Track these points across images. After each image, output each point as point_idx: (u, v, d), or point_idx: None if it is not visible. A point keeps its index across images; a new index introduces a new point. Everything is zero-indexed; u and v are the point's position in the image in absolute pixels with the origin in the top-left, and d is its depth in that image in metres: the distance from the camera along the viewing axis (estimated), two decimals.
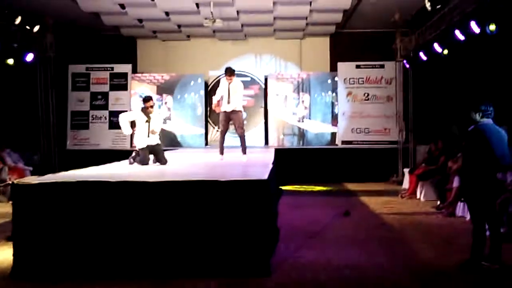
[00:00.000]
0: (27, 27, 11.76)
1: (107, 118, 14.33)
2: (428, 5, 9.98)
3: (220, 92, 8.43)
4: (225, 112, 8.36)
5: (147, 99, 7.88)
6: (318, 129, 14.25)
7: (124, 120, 7.87)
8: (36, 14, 11.96)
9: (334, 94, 14.27)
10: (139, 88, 14.46)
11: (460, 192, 7.72)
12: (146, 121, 7.75)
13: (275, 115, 14.35)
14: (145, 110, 7.77)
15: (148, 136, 7.73)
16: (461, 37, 9.43)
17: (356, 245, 6.42)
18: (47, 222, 5.12)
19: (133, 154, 7.92)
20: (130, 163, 7.81)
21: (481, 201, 5.26)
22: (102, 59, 14.53)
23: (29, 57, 12.23)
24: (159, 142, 7.92)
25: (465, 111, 5.65)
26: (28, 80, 13.28)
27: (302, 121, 14.27)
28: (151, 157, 7.78)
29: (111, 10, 12.24)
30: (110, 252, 5.11)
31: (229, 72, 8.36)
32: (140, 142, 7.73)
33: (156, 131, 7.82)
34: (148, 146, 7.70)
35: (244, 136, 8.56)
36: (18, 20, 11.25)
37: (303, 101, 14.31)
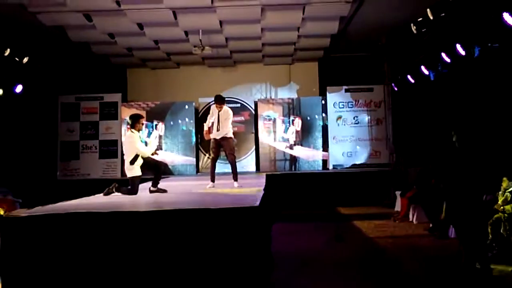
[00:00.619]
0: (16, 58, 11.76)
1: (97, 147, 14.28)
2: (413, 28, 10.11)
3: (210, 119, 8.47)
4: (215, 139, 8.38)
5: (138, 117, 7.48)
6: (310, 156, 14.26)
7: (143, 150, 7.38)
8: (25, 45, 11.98)
9: (324, 115, 14.32)
10: (128, 114, 14.39)
11: (447, 215, 7.72)
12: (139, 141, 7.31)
13: (266, 141, 14.37)
14: (136, 130, 7.35)
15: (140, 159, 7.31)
16: (447, 59, 9.56)
17: (350, 272, 6.37)
18: (37, 255, 5.03)
19: (113, 185, 7.27)
20: (107, 194, 7.21)
21: (468, 222, 5.26)
22: (92, 89, 14.54)
23: (18, 88, 12.25)
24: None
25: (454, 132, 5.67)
26: (17, 112, 13.24)
27: (292, 149, 14.27)
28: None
29: (101, 40, 12.29)
30: (101, 284, 5.01)
31: (219, 100, 8.41)
32: (133, 169, 7.31)
33: (157, 152, 7.62)
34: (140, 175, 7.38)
35: (235, 162, 8.55)
36: (7, 52, 11.27)
37: (293, 124, 14.33)
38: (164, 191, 7.57)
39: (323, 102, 14.39)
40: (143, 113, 14.18)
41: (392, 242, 8.28)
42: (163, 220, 5.13)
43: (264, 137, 14.37)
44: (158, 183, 7.67)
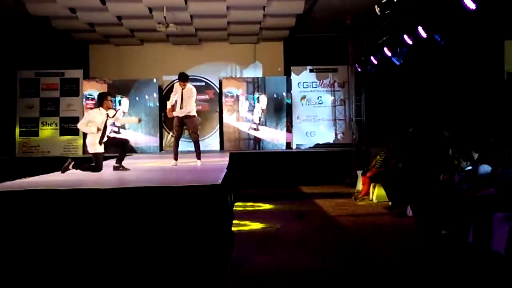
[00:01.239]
0: None
1: (58, 124, 14.02)
2: (377, 10, 10.18)
3: (174, 97, 8.40)
4: (178, 117, 8.33)
5: (105, 95, 7.38)
6: (274, 138, 14.33)
7: (83, 127, 7.27)
8: None
9: (288, 94, 14.39)
10: (89, 90, 14.18)
11: (403, 194, 7.93)
12: (105, 121, 7.15)
13: (230, 121, 14.36)
14: (104, 108, 7.19)
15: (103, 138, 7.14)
16: (409, 41, 9.69)
17: (311, 249, 6.48)
18: None
19: (69, 161, 7.10)
20: (64, 171, 7.03)
21: (422, 202, 5.41)
22: (52, 65, 14.20)
23: None
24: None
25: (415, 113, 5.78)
26: None
27: (258, 130, 14.30)
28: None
29: (61, 14, 11.99)
30: (59, 264, 4.96)
31: (182, 77, 8.34)
32: (96, 145, 7.14)
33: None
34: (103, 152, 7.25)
35: (198, 141, 8.54)
36: None
37: (258, 102, 14.35)
38: (127, 169, 7.49)
39: (287, 81, 14.45)
40: (104, 87, 14.02)
41: (353, 220, 8.46)
42: (124, 198, 5.10)
43: (228, 117, 14.36)
44: (123, 160, 7.60)
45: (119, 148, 7.62)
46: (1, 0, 10.77)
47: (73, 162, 7.13)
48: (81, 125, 7.38)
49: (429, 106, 9.49)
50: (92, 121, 7.15)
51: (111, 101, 7.55)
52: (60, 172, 7.11)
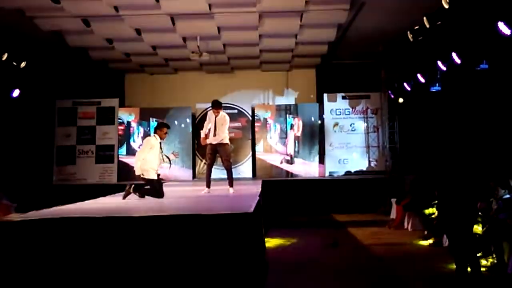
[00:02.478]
0: (14, 63, 11.79)
1: (94, 152, 14.28)
2: (410, 36, 10.16)
3: (207, 125, 8.48)
4: (211, 144, 8.39)
5: (163, 125, 7.84)
6: (306, 169, 14.29)
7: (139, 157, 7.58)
8: (23, 50, 12.00)
9: (320, 122, 14.37)
10: (121, 114, 14.53)
11: (439, 223, 7.74)
12: (161, 149, 7.65)
13: (263, 150, 14.38)
14: (158, 136, 7.68)
15: (158, 165, 7.63)
16: (443, 67, 9.61)
17: (344, 278, 6.37)
18: (32, 260, 5.03)
19: (130, 186, 7.48)
20: (127, 195, 7.43)
21: (460, 231, 5.26)
22: (89, 94, 14.55)
23: (15, 93, 12.28)
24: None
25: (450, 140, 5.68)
26: (14, 116, 13.26)
27: (291, 163, 14.27)
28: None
29: (99, 45, 12.32)
30: None
31: (216, 105, 8.44)
32: (153, 171, 7.56)
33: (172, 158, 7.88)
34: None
35: (231, 169, 8.56)
36: (4, 56, 11.29)
37: (292, 129, 14.35)
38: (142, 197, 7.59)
39: (319, 108, 14.43)
40: (136, 110, 14.51)
41: (387, 249, 8.29)
42: (157, 226, 5.13)
43: (261, 145, 14.38)
44: (147, 193, 7.65)
45: (152, 188, 7.69)
46: (41, 32, 11.12)
47: (133, 186, 7.46)
48: (142, 152, 7.61)
49: (465, 133, 9.30)
50: (152, 147, 7.56)
51: (166, 134, 7.84)
52: (122, 199, 7.39)
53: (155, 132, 7.79)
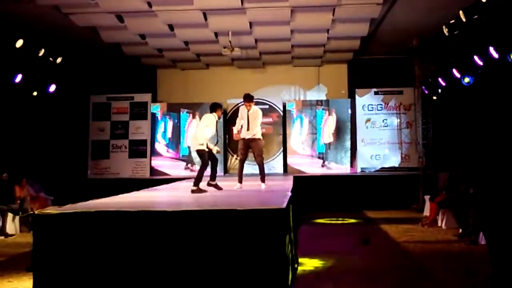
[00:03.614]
0: (50, 58, 12.03)
1: (127, 147, 14.48)
2: (445, 30, 9.96)
3: (240, 121, 8.46)
4: (244, 139, 8.38)
5: (218, 105, 8.06)
6: (338, 166, 14.23)
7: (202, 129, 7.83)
8: (59, 46, 12.24)
9: (351, 118, 14.26)
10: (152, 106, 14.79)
11: (475, 221, 7.60)
12: (216, 128, 8.03)
13: (295, 148, 14.37)
14: (217, 115, 7.96)
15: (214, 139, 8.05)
16: (479, 62, 9.40)
17: (377, 276, 6.31)
18: (67, 252, 5.13)
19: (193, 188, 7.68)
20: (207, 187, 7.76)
21: (497, 230, 5.14)
22: (122, 89, 14.75)
23: (52, 88, 12.55)
24: None
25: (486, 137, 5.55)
26: (50, 111, 13.55)
27: (323, 165, 14.23)
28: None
29: (132, 41, 12.48)
30: (131, 282, 5.08)
31: (248, 98, 8.41)
32: (212, 144, 7.90)
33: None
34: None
35: (263, 164, 8.54)
36: (41, 52, 11.54)
37: (327, 125, 14.30)
38: (220, 188, 7.95)
39: (351, 104, 14.33)
40: (164, 107, 14.74)
41: (421, 247, 8.18)
42: (190, 220, 5.17)
43: (293, 141, 14.36)
44: (215, 177, 8.04)
45: (213, 164, 7.98)
46: (77, 28, 11.31)
47: (194, 188, 7.62)
48: (199, 128, 7.85)
49: (502, 129, 9.07)
50: (210, 125, 7.83)
51: (222, 113, 8.24)
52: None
53: (214, 111, 7.94)
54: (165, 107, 14.71)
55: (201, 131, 7.73)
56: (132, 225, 5.17)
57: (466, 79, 10.33)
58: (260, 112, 8.50)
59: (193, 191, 7.55)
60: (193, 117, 14.40)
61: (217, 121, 7.99)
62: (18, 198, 10.83)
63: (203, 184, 7.74)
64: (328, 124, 14.30)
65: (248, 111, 8.36)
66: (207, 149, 7.72)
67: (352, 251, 7.85)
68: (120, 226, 5.17)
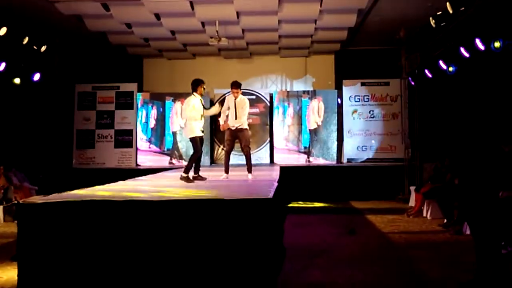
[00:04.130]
0: (35, 47, 11.88)
1: (113, 137, 14.38)
2: (432, 22, 10.00)
3: (225, 110, 8.44)
4: (230, 130, 8.34)
5: (199, 81, 7.83)
6: (324, 156, 14.28)
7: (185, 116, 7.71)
8: (43, 34, 12.08)
9: (338, 109, 14.29)
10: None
11: (460, 211, 7.69)
12: (203, 105, 7.76)
13: (281, 135, 14.37)
14: (198, 94, 7.76)
15: (203, 122, 7.75)
16: (466, 54, 9.45)
17: (362, 265, 6.36)
18: (52, 242, 5.09)
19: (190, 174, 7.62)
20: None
21: (481, 220, 5.19)
22: (108, 78, 14.62)
23: (36, 76, 12.39)
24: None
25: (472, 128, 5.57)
26: (34, 100, 13.38)
27: (309, 160, 14.25)
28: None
29: (118, 29, 12.36)
30: (116, 272, 5.05)
31: (236, 85, 8.37)
32: (196, 129, 7.66)
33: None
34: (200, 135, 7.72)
35: (250, 154, 8.53)
36: (25, 40, 11.38)
37: (313, 114, 14.31)
38: (204, 178, 7.79)
39: (338, 95, 14.35)
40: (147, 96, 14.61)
41: (406, 237, 8.25)
42: (176, 210, 5.15)
43: (279, 131, 14.35)
44: (199, 169, 7.88)
45: (196, 156, 7.83)
46: (62, 17, 11.16)
47: (184, 175, 7.55)
48: (184, 112, 7.81)
49: (487, 120, 9.17)
50: (195, 108, 7.64)
51: (204, 89, 7.92)
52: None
53: (194, 91, 7.79)
54: (148, 96, 14.63)
55: (185, 116, 7.65)
56: (118, 215, 5.14)
57: (450, 68, 10.40)
58: (247, 101, 8.48)
59: (181, 178, 7.52)
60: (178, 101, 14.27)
61: (201, 100, 7.83)
62: (0, 187, 10.73)
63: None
64: (313, 109, 14.28)
65: (235, 99, 8.32)
66: (198, 135, 7.66)
67: (338, 241, 7.89)
68: (105, 216, 5.14)
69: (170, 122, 14.38)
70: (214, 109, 8.40)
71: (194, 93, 7.78)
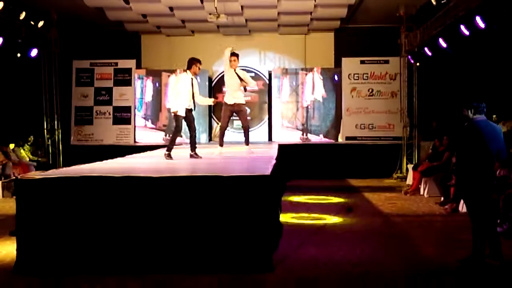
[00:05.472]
0: (32, 22, 11.78)
1: (111, 113, 14.34)
2: (433, 0, 9.91)
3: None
4: (228, 105, 8.09)
5: (195, 60, 7.56)
6: (322, 134, 14.30)
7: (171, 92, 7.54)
8: (40, 10, 11.97)
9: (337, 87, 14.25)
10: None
11: (457, 189, 7.72)
12: (192, 84, 7.47)
13: (279, 112, 14.35)
14: (191, 72, 7.51)
15: (190, 101, 7.46)
16: (466, 32, 9.39)
17: (359, 242, 6.41)
18: (51, 217, 5.11)
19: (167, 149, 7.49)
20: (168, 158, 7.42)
21: (477, 198, 5.22)
22: (106, 55, 14.52)
23: (34, 52, 12.32)
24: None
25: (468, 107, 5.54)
26: (32, 76, 13.32)
27: (306, 137, 14.24)
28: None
29: (115, 5, 12.25)
30: (114, 247, 5.10)
31: (236, 55, 8.13)
32: (180, 107, 7.41)
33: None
34: (186, 114, 7.50)
35: (249, 127, 8.46)
36: (22, 16, 11.28)
37: (314, 91, 14.29)
38: (200, 157, 7.66)
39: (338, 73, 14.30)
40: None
41: (403, 215, 8.30)
42: (174, 186, 5.17)
43: (277, 109, 14.33)
44: (195, 147, 7.76)
45: (190, 134, 7.79)
46: None
47: (166, 153, 7.45)
48: (172, 89, 7.58)
49: (486, 99, 9.17)
50: (183, 85, 7.44)
51: (199, 68, 7.65)
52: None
53: (188, 68, 7.55)
54: (144, 72, 14.59)
55: (171, 92, 7.52)
56: (117, 191, 5.16)
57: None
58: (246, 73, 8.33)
59: (165, 156, 7.48)
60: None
61: (192, 79, 7.55)
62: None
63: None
64: (312, 86, 14.24)
65: (235, 70, 8.07)
66: (181, 115, 7.46)
67: (335, 218, 7.94)
68: (104, 192, 5.16)
69: (164, 98, 14.34)
70: (207, 101, 8.22)
71: (188, 71, 7.55)
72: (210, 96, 14.03)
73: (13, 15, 11.08)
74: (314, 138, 14.21)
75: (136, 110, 14.41)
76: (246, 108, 8.61)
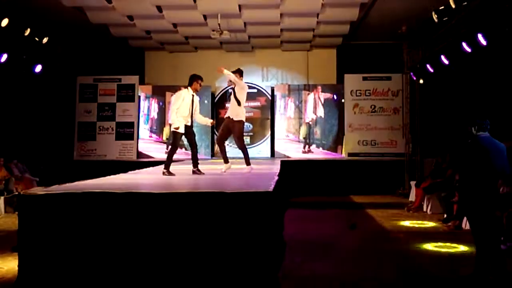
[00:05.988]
0: (36, 38, 11.86)
1: (114, 129, 14.39)
2: (435, 17, 9.96)
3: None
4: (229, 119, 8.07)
5: (196, 77, 7.55)
6: (324, 151, 14.30)
7: (172, 108, 7.39)
8: (45, 26, 12.06)
9: (339, 103, 14.27)
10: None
11: (460, 206, 7.69)
12: (192, 101, 7.42)
13: (282, 128, 14.37)
14: (192, 89, 7.47)
15: (189, 117, 7.41)
16: (468, 49, 9.43)
17: (362, 259, 6.37)
18: (53, 233, 5.10)
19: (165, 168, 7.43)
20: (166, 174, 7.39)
21: (481, 215, 5.20)
22: (110, 71, 14.60)
23: (38, 68, 12.37)
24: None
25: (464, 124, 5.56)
26: (36, 91, 13.38)
27: (308, 149, 14.25)
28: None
29: (120, 22, 12.33)
30: (116, 264, 5.07)
31: (240, 72, 8.14)
32: (178, 124, 7.35)
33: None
34: (186, 130, 7.44)
35: (245, 148, 8.13)
36: (27, 32, 11.36)
37: (316, 105, 14.32)
38: (202, 173, 7.61)
39: (340, 90, 14.33)
40: (150, 90, 14.68)
41: (406, 232, 8.26)
42: (177, 203, 5.15)
43: (280, 125, 14.34)
44: (198, 163, 7.71)
45: (191, 150, 7.74)
46: (64, 9, 11.14)
47: (165, 170, 7.42)
48: (173, 105, 7.44)
49: (488, 116, 9.17)
50: (184, 102, 7.38)
51: (200, 85, 7.64)
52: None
53: (189, 85, 7.52)
54: (149, 90, 14.67)
55: (172, 108, 7.41)
56: (119, 207, 5.14)
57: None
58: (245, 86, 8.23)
59: (164, 174, 7.47)
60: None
61: (193, 95, 7.50)
62: (1, 178, 10.75)
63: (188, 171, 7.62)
64: (314, 103, 14.28)
65: (234, 87, 8.04)
66: (180, 132, 7.39)
67: (338, 235, 7.90)
68: (106, 208, 5.14)
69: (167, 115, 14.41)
70: (206, 121, 8.17)
71: (189, 87, 7.52)
72: (212, 112, 14.09)
73: (18, 31, 11.16)
74: (316, 151, 14.19)
75: (143, 123, 14.57)
76: (248, 124, 8.51)
